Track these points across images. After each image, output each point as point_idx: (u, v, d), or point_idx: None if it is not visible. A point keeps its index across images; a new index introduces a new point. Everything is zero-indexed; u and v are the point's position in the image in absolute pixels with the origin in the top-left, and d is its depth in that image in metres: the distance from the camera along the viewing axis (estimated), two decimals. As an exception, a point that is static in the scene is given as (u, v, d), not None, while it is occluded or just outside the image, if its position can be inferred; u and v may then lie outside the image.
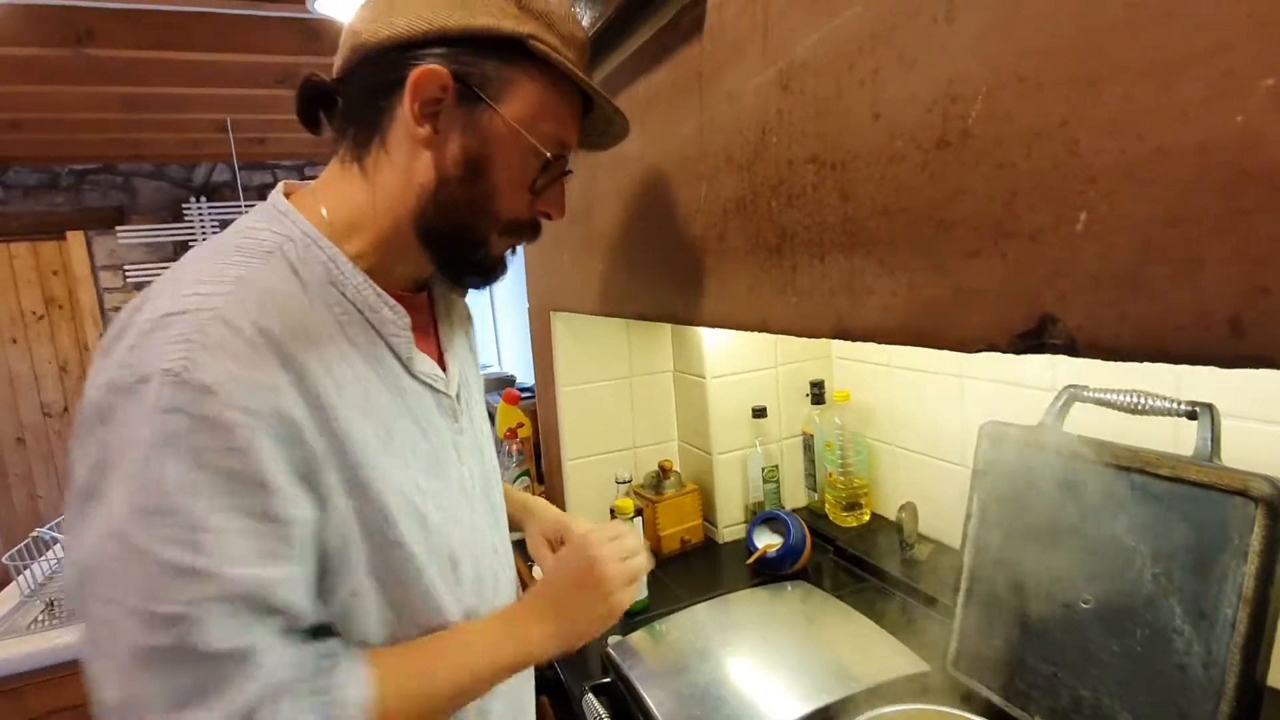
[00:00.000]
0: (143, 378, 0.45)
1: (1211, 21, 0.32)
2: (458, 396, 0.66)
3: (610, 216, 1.02)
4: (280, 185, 0.59)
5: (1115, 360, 0.35)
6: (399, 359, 0.58)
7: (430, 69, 0.51)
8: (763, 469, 1.34)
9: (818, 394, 1.36)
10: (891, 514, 1.27)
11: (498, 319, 3.62)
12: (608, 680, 0.92)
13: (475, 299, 3.74)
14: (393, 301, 0.57)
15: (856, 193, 0.53)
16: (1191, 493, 0.61)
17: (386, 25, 0.52)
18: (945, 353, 1.15)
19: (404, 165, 0.55)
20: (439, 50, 0.52)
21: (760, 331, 0.67)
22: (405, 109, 0.53)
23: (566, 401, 1.41)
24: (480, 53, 0.52)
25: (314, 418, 0.50)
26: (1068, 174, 0.38)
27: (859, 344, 1.35)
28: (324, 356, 0.51)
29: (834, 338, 0.56)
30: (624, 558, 0.65)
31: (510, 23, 0.53)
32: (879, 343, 0.52)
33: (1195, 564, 0.59)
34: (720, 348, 1.35)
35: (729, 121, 0.69)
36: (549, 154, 0.56)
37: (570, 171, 0.62)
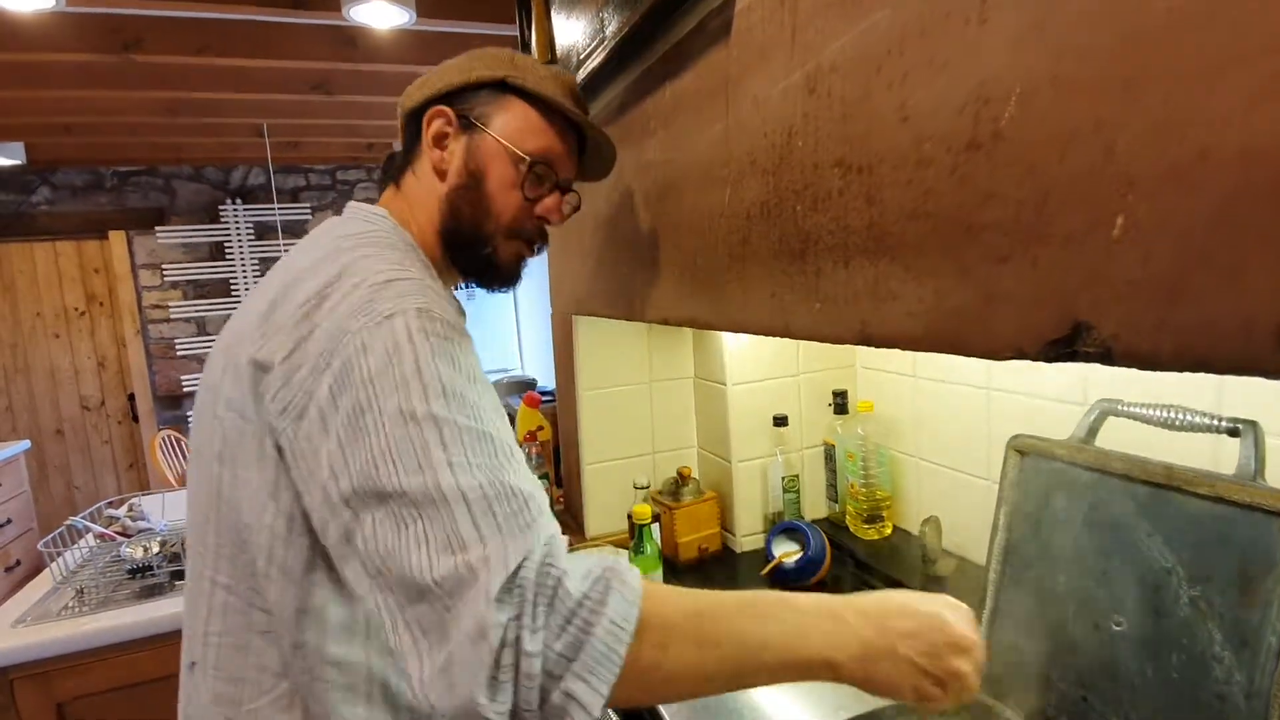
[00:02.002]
0: (391, 314, 0.51)
1: (1257, 23, 0.30)
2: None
3: (633, 221, 1.01)
4: (354, 203, 0.69)
5: (1153, 369, 0.34)
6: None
7: (439, 109, 0.69)
8: (783, 478, 1.33)
9: (840, 404, 1.34)
10: (914, 527, 1.25)
11: (521, 323, 3.65)
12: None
13: (499, 304, 3.78)
14: (456, 298, 0.66)
15: (883, 197, 0.52)
16: (1232, 513, 0.58)
17: (419, 92, 0.71)
18: (972, 364, 1.13)
19: (427, 182, 0.70)
20: (450, 98, 0.69)
21: (783, 337, 0.66)
22: (425, 141, 0.69)
23: (587, 405, 1.41)
24: (476, 94, 0.69)
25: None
26: (1104, 177, 0.37)
27: (883, 353, 1.34)
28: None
29: (858, 344, 0.55)
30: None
31: (501, 72, 0.69)
32: (904, 349, 0.51)
33: (1237, 588, 0.57)
34: (741, 354, 1.34)
35: (755, 125, 0.68)
36: (526, 156, 0.68)
37: (566, 187, 0.75)
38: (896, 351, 1.30)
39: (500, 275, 0.72)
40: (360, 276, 0.54)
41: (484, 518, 0.46)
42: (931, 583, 1.10)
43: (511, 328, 3.70)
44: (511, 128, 0.69)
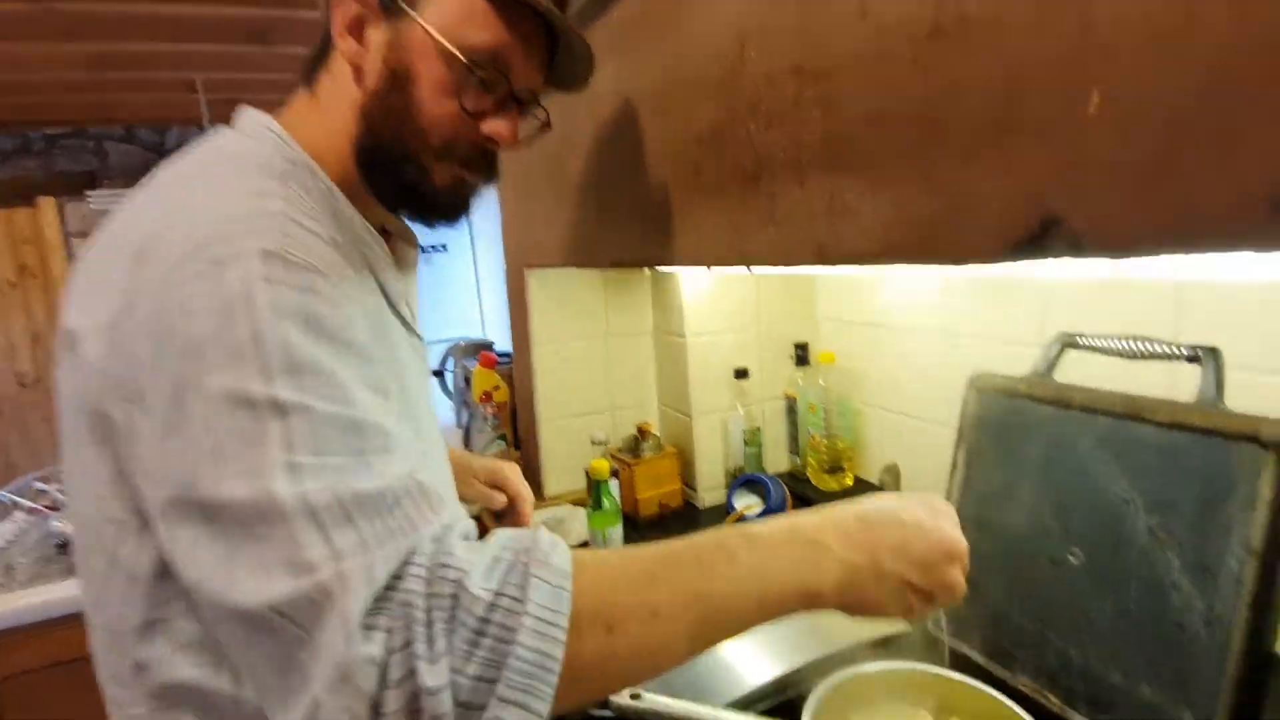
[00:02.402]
0: (223, 259, 0.39)
1: None
2: (421, 339, 0.63)
3: (584, 161, 0.95)
4: (247, 110, 0.55)
5: (1128, 255, 0.31)
6: (387, 297, 0.56)
7: None
8: (744, 431, 1.30)
9: (801, 355, 1.32)
10: (875, 477, 1.24)
11: (481, 286, 3.55)
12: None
13: (458, 266, 3.66)
14: (377, 235, 0.55)
15: (840, 102, 0.48)
16: (1192, 440, 0.57)
17: None
18: (933, 307, 1.11)
19: (343, 83, 0.54)
20: None
21: (739, 265, 0.62)
22: (336, 27, 0.53)
23: (541, 360, 1.36)
24: None
25: (377, 324, 0.50)
26: (1080, 52, 0.33)
27: (844, 303, 1.31)
28: (357, 283, 0.50)
29: (815, 264, 0.51)
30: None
31: None
32: (862, 264, 0.47)
33: (1196, 515, 0.55)
34: (701, 306, 1.30)
35: (705, 40, 0.63)
36: (465, 60, 0.52)
37: (526, 100, 0.58)
38: (858, 301, 1.28)
39: (434, 206, 0.57)
40: (200, 213, 0.43)
41: (339, 531, 0.35)
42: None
43: (471, 291, 3.60)
44: (449, 15, 0.52)
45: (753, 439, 1.31)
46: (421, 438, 0.56)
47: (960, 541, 0.47)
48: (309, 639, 0.34)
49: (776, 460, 1.38)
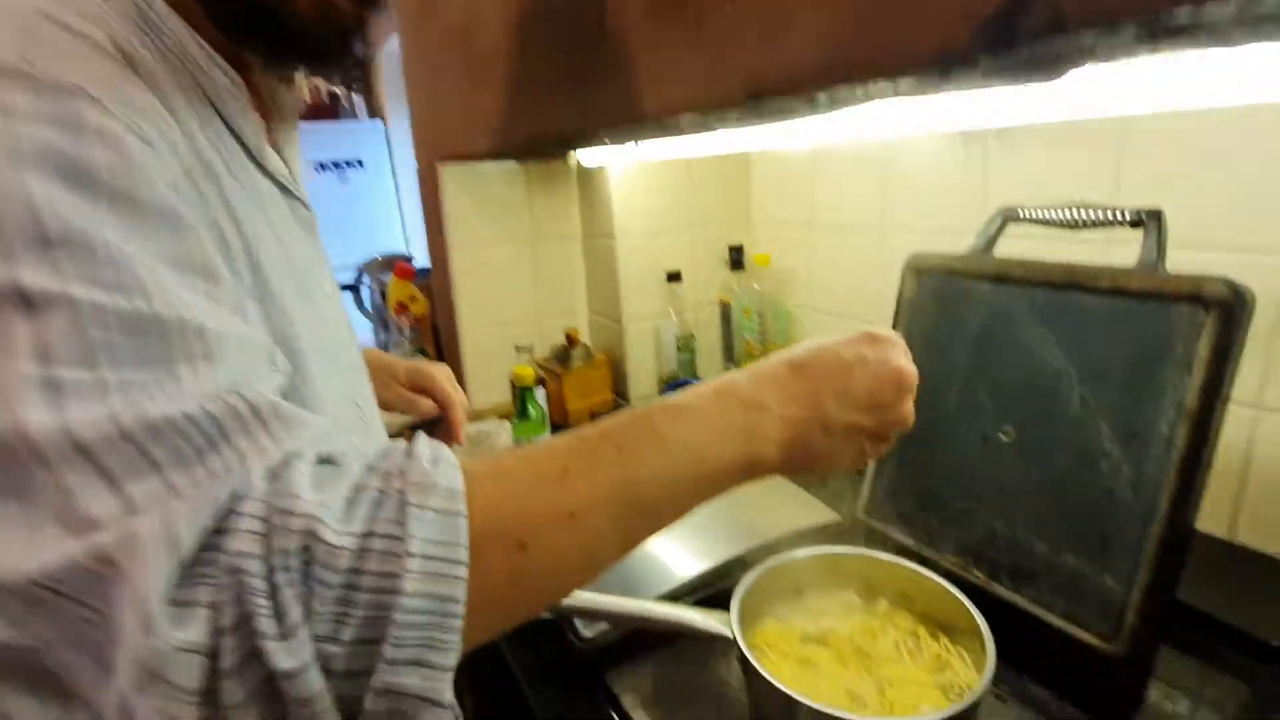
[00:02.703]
0: None
1: None
2: (307, 206, 0.52)
3: (492, 31, 0.83)
4: None
5: (1115, 18, 0.25)
6: (243, 145, 0.44)
7: None
8: (677, 338, 1.25)
9: (736, 259, 1.27)
10: (809, 383, 1.22)
11: (403, 203, 3.32)
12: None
13: (375, 181, 3.40)
14: (224, 62, 0.42)
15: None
16: (1131, 306, 0.54)
17: None
18: (869, 207, 1.07)
19: None
20: None
21: (664, 115, 0.54)
22: None
23: (461, 266, 1.25)
24: None
25: (209, 178, 0.38)
26: None
27: (780, 201, 1.25)
28: (186, 109, 0.38)
29: (748, 98, 0.44)
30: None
31: None
32: (803, 91, 0.40)
33: (1130, 380, 0.54)
34: (631, 208, 1.22)
35: None
36: None
37: None
38: (793, 199, 1.23)
39: (295, 40, 0.44)
40: None
41: (130, 474, 0.26)
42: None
43: (391, 209, 3.37)
44: None
45: (686, 345, 1.27)
46: (319, 329, 0.46)
47: (910, 370, 0.43)
48: (103, 620, 0.25)
49: (711, 369, 1.35)
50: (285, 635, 0.26)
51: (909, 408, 0.42)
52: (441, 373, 0.77)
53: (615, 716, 0.60)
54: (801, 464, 0.40)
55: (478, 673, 0.81)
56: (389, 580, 0.27)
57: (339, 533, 0.27)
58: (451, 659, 0.28)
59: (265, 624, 0.25)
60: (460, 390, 0.79)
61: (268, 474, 0.28)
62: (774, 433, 0.39)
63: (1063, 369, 0.58)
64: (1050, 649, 0.57)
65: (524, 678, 0.66)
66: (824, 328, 1.21)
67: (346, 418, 0.50)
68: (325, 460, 0.31)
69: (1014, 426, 0.62)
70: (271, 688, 0.26)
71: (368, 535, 0.28)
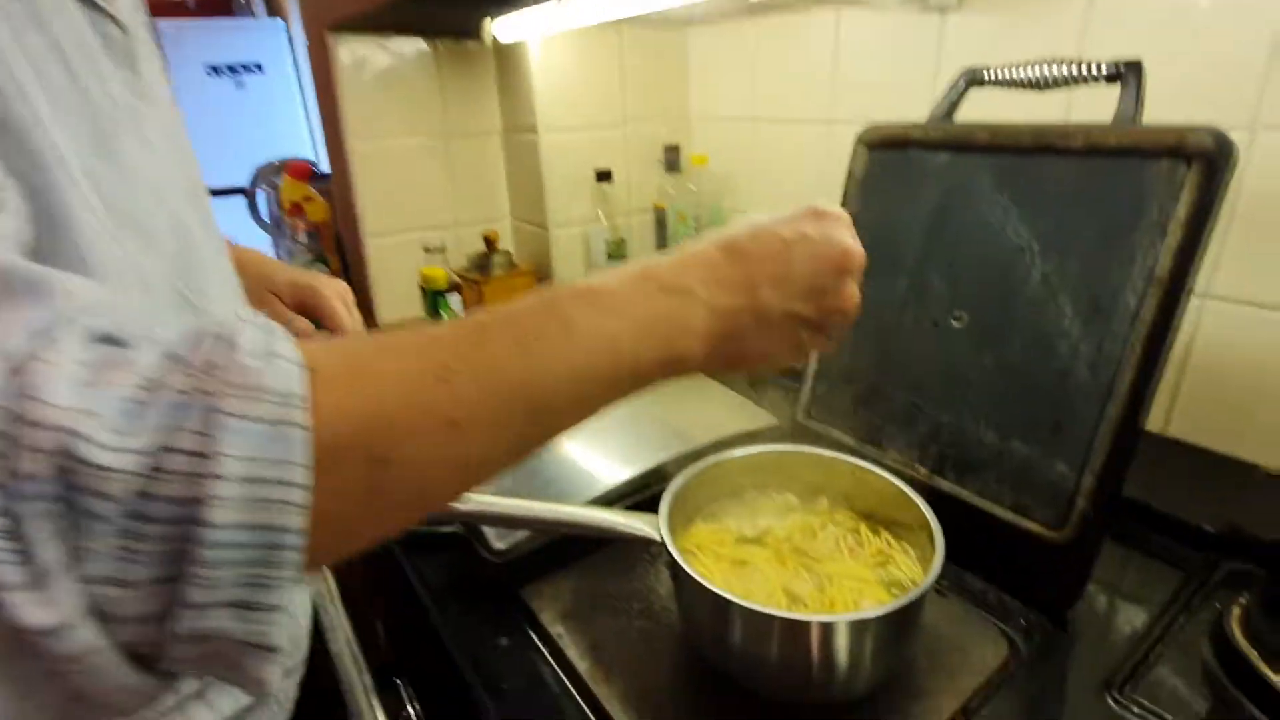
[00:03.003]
0: None
1: None
2: (126, 30, 0.38)
3: None
4: None
5: None
6: None
7: None
8: (607, 243, 1.16)
9: (672, 160, 1.17)
10: (746, 295, 1.16)
11: (310, 111, 3.02)
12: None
13: (277, 87, 3.06)
14: None
15: None
16: (1105, 167, 0.49)
17: None
18: (816, 97, 0.99)
19: None
20: None
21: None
22: None
23: (361, 159, 1.10)
24: None
25: None
26: None
27: (719, 97, 1.15)
28: None
29: None
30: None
31: None
32: None
33: (1097, 251, 0.49)
34: (556, 96, 1.09)
35: None
36: None
37: None
38: (733, 91, 1.13)
39: None
40: None
41: None
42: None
43: (298, 118, 3.06)
44: None
45: (617, 252, 1.17)
46: (108, 161, 0.33)
47: (855, 250, 0.36)
48: None
49: (643, 280, 1.27)
50: (35, 584, 0.20)
51: (852, 292, 0.36)
52: (332, 289, 0.65)
53: (533, 634, 0.54)
54: (731, 360, 0.35)
55: (389, 595, 0.73)
56: (190, 509, 0.21)
57: (114, 449, 0.20)
58: (279, 596, 0.22)
59: (8, 572, 0.19)
60: (355, 313, 0.67)
61: (5, 368, 0.20)
62: (701, 323, 0.32)
63: (1024, 244, 0.53)
64: (993, 541, 0.54)
65: (429, 597, 0.58)
66: (763, 235, 1.14)
67: (165, 313, 0.38)
68: (105, 339, 0.22)
69: (967, 311, 0.57)
70: (26, 643, 0.20)
71: (161, 451, 0.21)
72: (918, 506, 0.49)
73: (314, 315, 0.64)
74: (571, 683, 0.49)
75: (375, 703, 0.49)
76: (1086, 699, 0.46)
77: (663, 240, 1.23)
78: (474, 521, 0.58)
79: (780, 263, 0.34)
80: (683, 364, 0.33)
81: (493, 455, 0.28)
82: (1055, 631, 0.51)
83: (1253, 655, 0.46)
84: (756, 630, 0.43)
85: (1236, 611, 0.50)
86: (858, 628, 0.42)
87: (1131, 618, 0.52)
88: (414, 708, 0.71)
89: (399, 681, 0.76)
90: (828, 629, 0.42)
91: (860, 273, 0.36)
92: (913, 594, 0.42)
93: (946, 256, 0.58)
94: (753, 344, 0.34)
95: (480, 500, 0.51)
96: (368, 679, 0.51)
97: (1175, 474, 0.66)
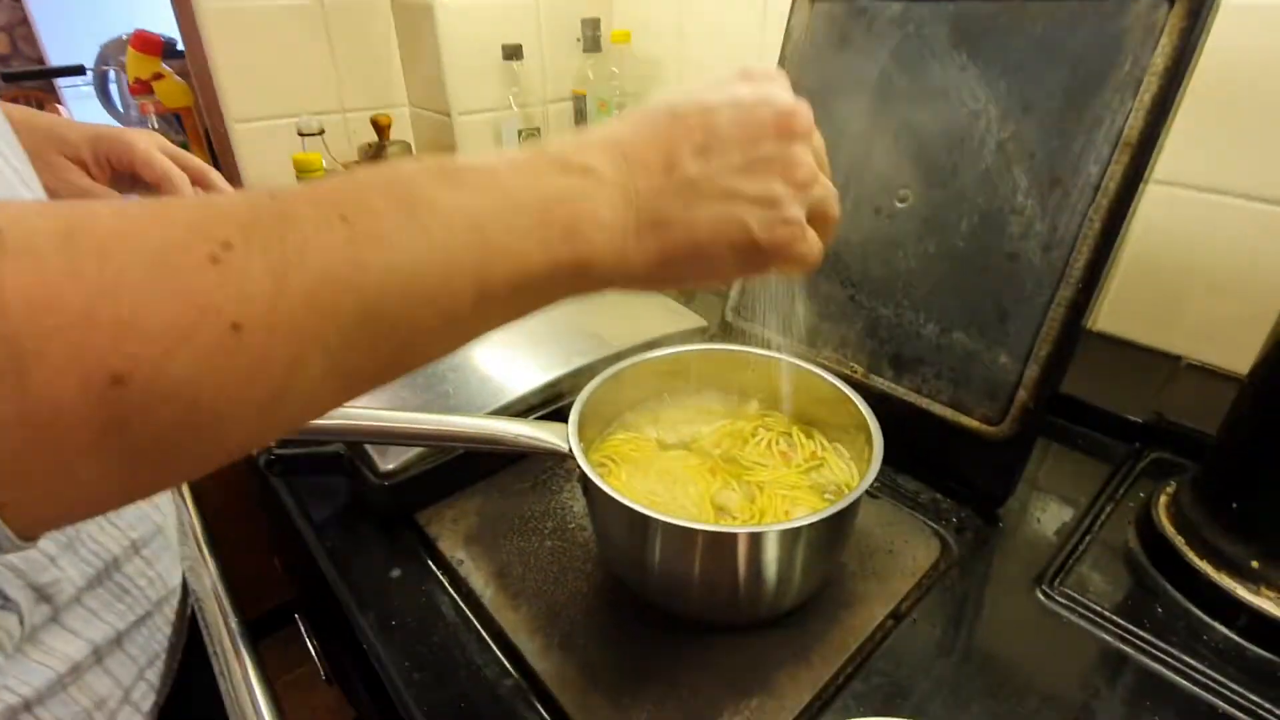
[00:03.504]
0: None
1: None
2: None
3: None
4: None
5: None
6: None
7: None
8: (520, 132, 1.04)
9: (592, 37, 1.04)
10: (674, 195, 1.07)
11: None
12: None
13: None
14: None
15: None
16: (1078, 13, 0.43)
17: None
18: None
19: None
20: None
21: None
22: None
23: (216, 21, 0.92)
24: None
25: None
26: None
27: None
28: None
29: None
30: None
31: None
32: None
33: (1059, 115, 0.43)
34: (454, -48, 0.93)
35: None
36: None
37: None
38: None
39: None
40: None
41: None
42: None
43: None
44: None
45: (530, 140, 1.05)
46: None
47: (796, 108, 0.27)
48: None
49: (562, 178, 1.16)
50: None
51: (801, 159, 0.27)
52: (147, 139, 0.52)
53: (431, 563, 0.48)
54: (668, 265, 0.26)
55: (276, 526, 0.65)
56: None
57: None
58: None
59: None
60: (195, 160, 0.54)
61: None
62: (611, 211, 0.24)
63: (980, 109, 0.47)
64: (928, 440, 0.51)
65: (308, 527, 0.51)
66: (692, 126, 1.04)
67: None
68: None
69: (912, 190, 0.51)
70: None
71: None
72: (855, 406, 0.44)
73: (129, 173, 0.51)
74: (474, 613, 0.43)
75: (244, 648, 0.43)
76: (1017, 594, 0.44)
77: (582, 128, 1.11)
78: (355, 439, 0.50)
79: (706, 131, 0.26)
80: (590, 268, 0.24)
81: (305, 380, 0.19)
82: (987, 529, 0.49)
83: (1179, 541, 0.45)
84: (678, 547, 0.38)
85: (1163, 500, 0.49)
86: (788, 538, 0.37)
87: (1060, 512, 0.51)
88: (313, 645, 0.65)
89: (298, 619, 0.70)
90: (756, 540, 0.37)
91: (810, 136, 0.28)
92: (848, 499, 0.37)
93: (891, 129, 0.51)
94: (681, 234, 0.26)
95: (360, 414, 0.43)
96: (235, 623, 0.44)
97: (1100, 368, 0.64)
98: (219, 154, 1.10)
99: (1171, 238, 0.62)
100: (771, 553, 0.38)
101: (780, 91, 0.28)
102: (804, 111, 0.28)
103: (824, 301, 0.57)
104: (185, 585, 0.43)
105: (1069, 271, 0.43)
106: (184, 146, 1.07)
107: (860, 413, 0.44)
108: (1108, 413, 0.58)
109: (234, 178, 1.03)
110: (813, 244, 0.28)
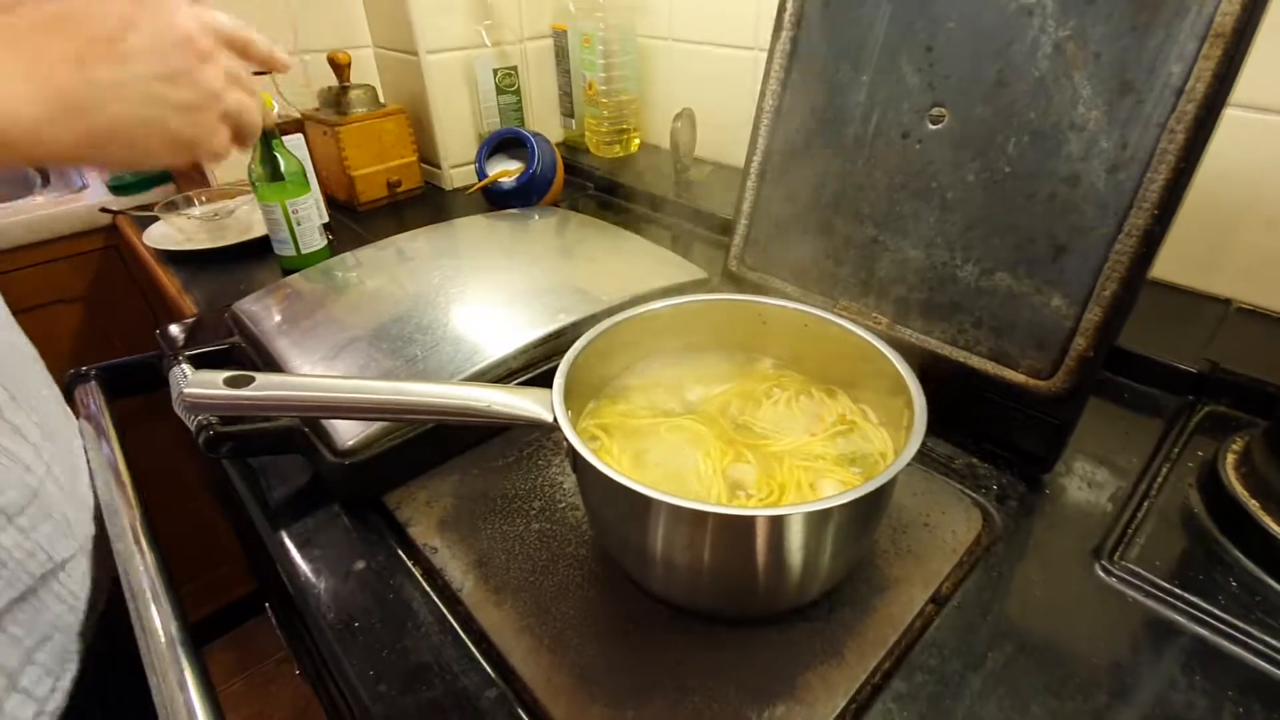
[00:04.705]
0: None
1: None
2: None
3: None
4: None
5: None
6: None
7: None
8: (495, 72, 0.95)
9: (572, -36, 0.94)
10: (666, 143, 0.99)
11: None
12: (229, 344, 0.57)
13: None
14: None
15: None
16: (1152, -121, 0.35)
17: None
18: None
19: None
20: None
21: None
22: None
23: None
24: None
25: None
26: None
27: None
28: None
29: None
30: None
31: None
32: None
33: (1132, 8, 0.36)
34: None
35: None
36: None
37: None
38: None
39: None
40: None
41: None
42: (684, 191, 0.89)
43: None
44: None
45: (507, 84, 0.97)
46: None
47: (196, 35, 0.31)
48: None
49: (544, 120, 1.07)
50: None
51: (207, 72, 0.32)
52: None
53: (400, 552, 0.41)
54: (92, 145, 0.29)
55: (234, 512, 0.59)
56: None
57: None
58: None
59: None
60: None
61: None
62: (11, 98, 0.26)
63: (1032, 3, 0.39)
64: (964, 398, 0.45)
65: (261, 513, 0.45)
66: (683, 65, 0.96)
67: None
68: None
69: (948, 108, 0.44)
70: None
71: None
72: (889, 361, 0.38)
73: None
74: (450, 610, 0.38)
75: (182, 655, 0.37)
76: (1073, 570, 0.39)
77: (565, 72, 1.02)
78: (304, 413, 0.43)
79: (112, 40, 0.29)
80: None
81: None
82: (1031, 496, 0.44)
83: (1253, 505, 0.40)
84: (685, 532, 0.32)
85: (1230, 458, 0.43)
86: (816, 520, 0.31)
87: (1111, 475, 0.45)
88: (281, 636, 0.60)
89: (268, 608, 0.64)
90: (778, 524, 0.31)
91: (213, 56, 0.32)
92: (888, 471, 0.31)
93: (925, 35, 0.44)
94: (111, 128, 0.29)
95: (309, 384, 0.36)
96: (176, 628, 0.38)
97: (1143, 314, 0.58)
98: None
99: (1229, 166, 0.55)
100: (797, 538, 0.32)
101: (175, 11, 0.31)
102: (203, 38, 0.31)
103: (842, 244, 0.50)
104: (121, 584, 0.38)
105: (1142, 195, 0.36)
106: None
107: (895, 369, 0.37)
108: (1156, 362, 0.52)
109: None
110: (222, 143, 0.34)
